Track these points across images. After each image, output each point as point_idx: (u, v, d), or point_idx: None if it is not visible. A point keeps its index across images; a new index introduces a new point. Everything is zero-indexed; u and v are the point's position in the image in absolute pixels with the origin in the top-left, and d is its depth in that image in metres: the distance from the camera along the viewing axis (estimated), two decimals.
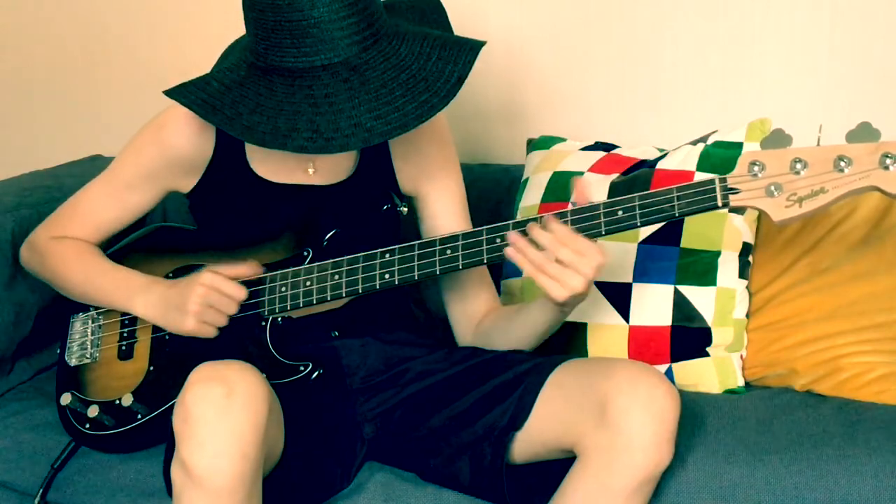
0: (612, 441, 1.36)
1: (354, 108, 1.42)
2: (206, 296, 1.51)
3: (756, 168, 1.35)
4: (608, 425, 1.36)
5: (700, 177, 1.80)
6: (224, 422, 1.30)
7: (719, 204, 1.37)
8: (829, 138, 1.34)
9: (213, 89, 1.49)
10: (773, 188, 1.34)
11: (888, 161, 1.30)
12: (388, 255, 1.51)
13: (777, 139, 1.35)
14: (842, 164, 1.32)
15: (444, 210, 1.70)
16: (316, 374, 1.54)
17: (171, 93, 1.50)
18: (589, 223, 1.42)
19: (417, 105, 1.42)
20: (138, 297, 1.60)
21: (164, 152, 1.63)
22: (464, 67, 1.46)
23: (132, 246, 1.74)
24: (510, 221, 1.46)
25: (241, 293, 1.53)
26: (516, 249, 1.43)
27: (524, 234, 1.44)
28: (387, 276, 1.50)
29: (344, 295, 1.53)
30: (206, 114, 1.47)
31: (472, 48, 1.48)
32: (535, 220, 1.44)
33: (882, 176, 1.30)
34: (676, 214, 1.39)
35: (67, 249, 1.69)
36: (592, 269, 1.40)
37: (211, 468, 1.30)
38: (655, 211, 1.39)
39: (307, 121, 1.42)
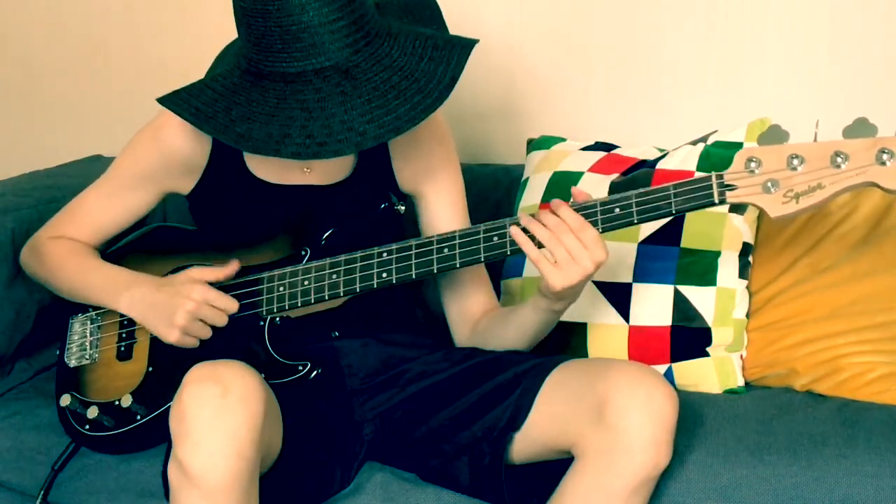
0: (611, 442, 1.36)
1: (347, 113, 1.41)
2: (197, 311, 1.51)
3: (753, 164, 1.35)
4: (606, 426, 1.36)
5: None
6: (220, 421, 1.30)
7: (716, 200, 1.36)
8: (827, 136, 1.34)
9: (206, 97, 1.48)
10: (769, 184, 1.33)
11: (885, 156, 1.29)
12: (385, 255, 1.51)
13: (774, 135, 1.35)
14: (838, 159, 1.31)
15: (443, 209, 1.69)
16: (315, 373, 1.54)
17: (164, 101, 1.51)
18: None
19: (410, 107, 1.42)
20: (124, 294, 1.59)
21: (162, 154, 1.63)
22: (456, 67, 1.45)
23: (131, 246, 1.74)
24: (506, 219, 1.46)
25: (234, 307, 1.53)
26: (523, 230, 1.42)
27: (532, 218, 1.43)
28: (384, 275, 1.50)
29: (342, 294, 1.53)
30: (198, 122, 1.47)
31: (464, 47, 1.47)
32: (530, 216, 1.44)
33: (879, 172, 1.30)
34: (674, 211, 1.38)
35: (62, 248, 1.69)
36: (594, 263, 1.40)
37: (207, 467, 1.30)
38: (652, 208, 1.39)
39: (300, 127, 1.41)
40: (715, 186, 1.36)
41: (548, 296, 1.48)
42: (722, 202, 1.36)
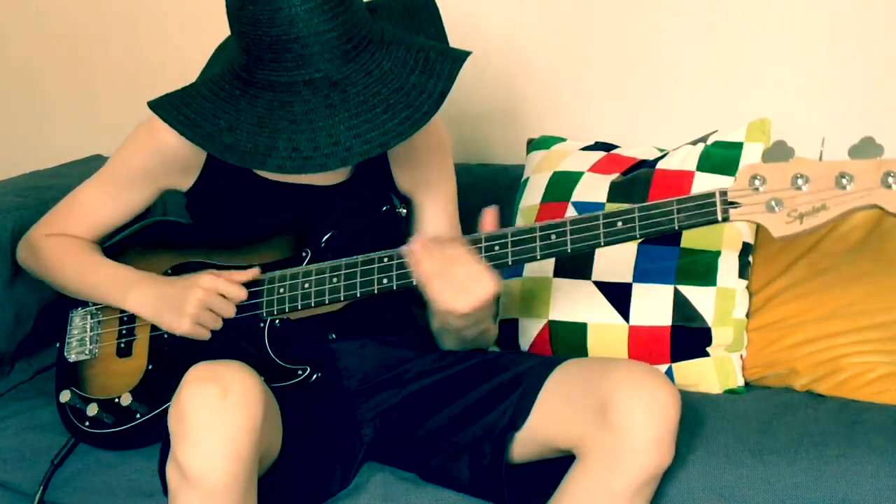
0: (614, 442, 1.36)
1: (334, 126, 1.41)
2: (206, 299, 1.51)
3: (757, 182, 1.33)
4: (610, 426, 1.36)
5: (700, 177, 1.80)
6: (219, 422, 1.30)
7: (719, 218, 1.35)
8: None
9: (195, 104, 1.48)
10: (773, 203, 1.32)
11: (890, 179, 1.27)
12: (386, 260, 1.50)
13: (779, 152, 1.33)
14: (844, 180, 1.29)
15: (434, 218, 1.70)
16: (315, 377, 1.54)
17: (154, 106, 1.50)
18: (588, 234, 1.40)
19: (398, 122, 1.41)
20: (132, 292, 1.59)
21: (159, 151, 1.62)
22: (447, 81, 1.44)
23: (130, 241, 1.73)
24: (508, 229, 1.45)
25: (242, 294, 1.53)
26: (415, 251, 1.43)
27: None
28: (385, 280, 1.49)
29: (342, 299, 1.53)
30: (186, 131, 1.46)
31: (456, 60, 1.46)
32: (529, 228, 1.43)
33: (884, 194, 1.28)
34: (676, 227, 1.37)
35: (62, 246, 1.69)
36: (484, 295, 1.39)
37: (205, 468, 1.30)
38: (655, 224, 1.38)
39: (287, 139, 1.41)
40: (719, 203, 1.35)
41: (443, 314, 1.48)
42: (725, 220, 1.35)
